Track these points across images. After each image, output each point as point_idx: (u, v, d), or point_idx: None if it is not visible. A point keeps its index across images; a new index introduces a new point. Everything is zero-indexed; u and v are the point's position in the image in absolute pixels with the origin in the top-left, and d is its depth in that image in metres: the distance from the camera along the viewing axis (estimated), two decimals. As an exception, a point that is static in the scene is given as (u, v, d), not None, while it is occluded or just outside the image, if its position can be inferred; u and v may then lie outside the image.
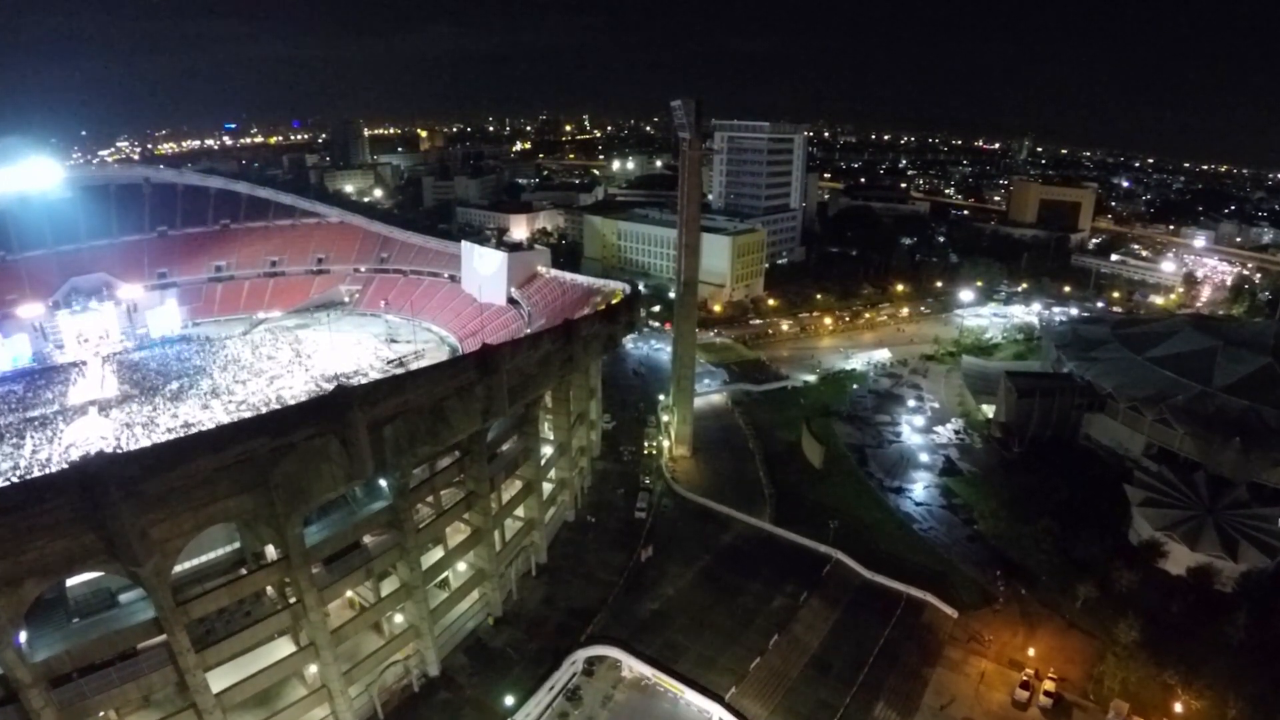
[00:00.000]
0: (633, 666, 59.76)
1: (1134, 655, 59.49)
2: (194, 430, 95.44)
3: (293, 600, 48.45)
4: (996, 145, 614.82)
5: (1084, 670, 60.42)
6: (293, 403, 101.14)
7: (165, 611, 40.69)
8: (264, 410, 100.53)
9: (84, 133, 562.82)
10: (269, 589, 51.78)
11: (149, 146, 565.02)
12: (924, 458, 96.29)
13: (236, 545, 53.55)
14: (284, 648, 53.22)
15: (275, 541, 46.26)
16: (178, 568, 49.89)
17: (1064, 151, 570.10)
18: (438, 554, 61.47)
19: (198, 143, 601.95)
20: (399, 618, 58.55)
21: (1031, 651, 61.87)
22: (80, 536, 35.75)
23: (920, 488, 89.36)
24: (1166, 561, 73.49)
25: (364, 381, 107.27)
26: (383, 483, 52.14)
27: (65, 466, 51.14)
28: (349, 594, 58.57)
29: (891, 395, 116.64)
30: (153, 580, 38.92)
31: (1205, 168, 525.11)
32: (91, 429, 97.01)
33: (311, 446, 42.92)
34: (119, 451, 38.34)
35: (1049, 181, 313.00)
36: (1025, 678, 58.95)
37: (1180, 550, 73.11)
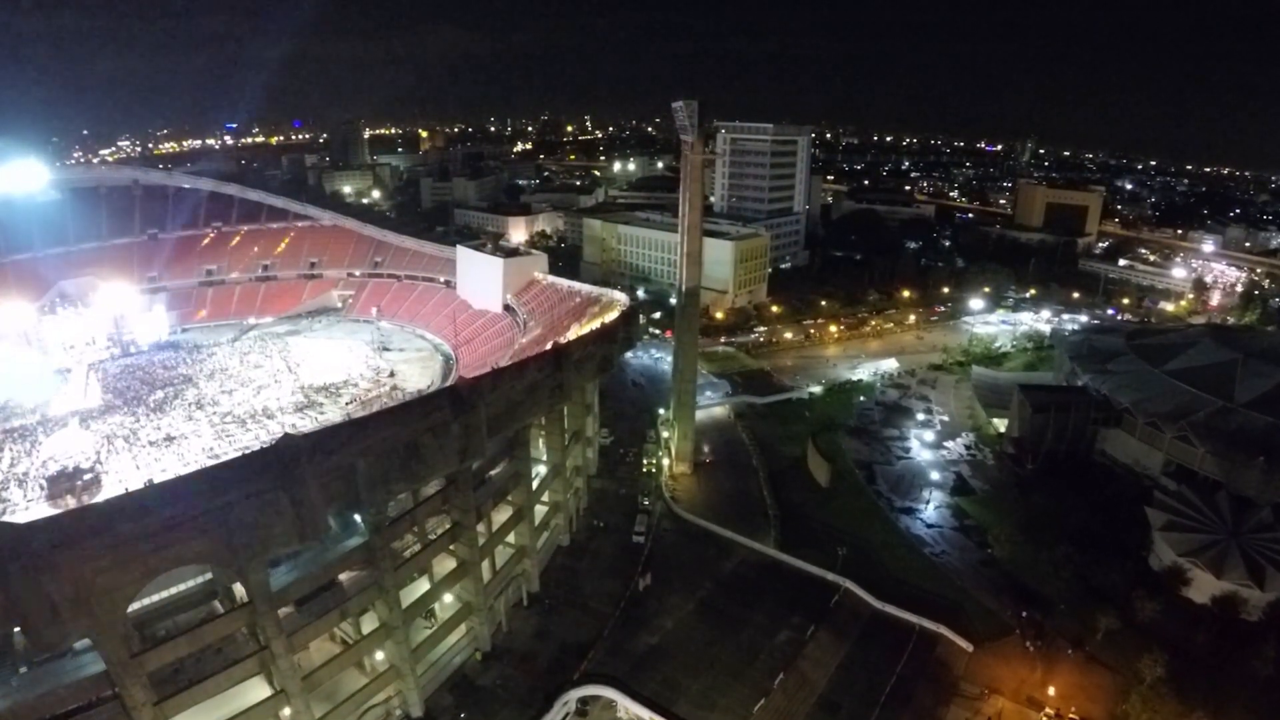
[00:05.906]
0: (629, 708, 56.33)
1: (1159, 693, 55.96)
2: (176, 439, 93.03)
3: (264, 644, 44.90)
4: (999, 147, 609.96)
5: (1106, 709, 57.03)
6: (277, 417, 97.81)
7: (116, 666, 37.10)
8: (248, 422, 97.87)
9: (85, 132, 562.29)
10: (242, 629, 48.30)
11: (150, 146, 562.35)
12: (934, 475, 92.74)
13: (208, 576, 50.40)
14: (257, 689, 49.76)
15: (241, 582, 42.73)
16: (146, 601, 46.86)
17: (1067, 153, 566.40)
18: (422, 586, 57.96)
19: (198, 142, 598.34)
20: (380, 654, 55.05)
21: (1051, 690, 58.38)
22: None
23: (931, 508, 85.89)
24: (1190, 589, 70.00)
25: (348, 392, 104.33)
26: (358, 517, 48.55)
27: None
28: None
29: (899, 407, 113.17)
30: (96, 636, 35.40)
31: (1208, 170, 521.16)
32: (71, 441, 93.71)
33: (258, 503, 38.84)
34: (19, 523, 34.19)
35: (1054, 184, 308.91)
36: (1045, 718, 55.68)
37: (1204, 577, 69.61)
